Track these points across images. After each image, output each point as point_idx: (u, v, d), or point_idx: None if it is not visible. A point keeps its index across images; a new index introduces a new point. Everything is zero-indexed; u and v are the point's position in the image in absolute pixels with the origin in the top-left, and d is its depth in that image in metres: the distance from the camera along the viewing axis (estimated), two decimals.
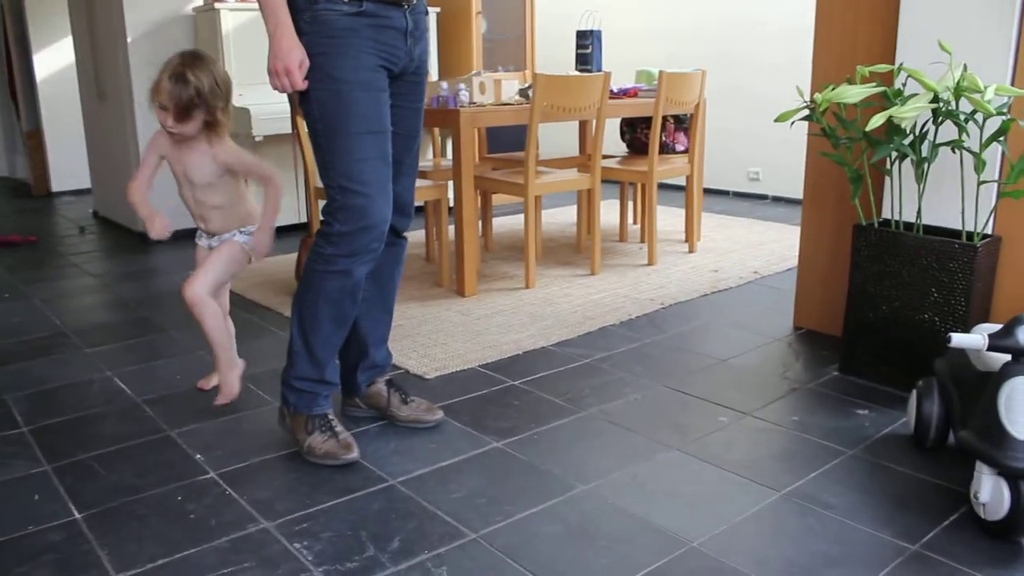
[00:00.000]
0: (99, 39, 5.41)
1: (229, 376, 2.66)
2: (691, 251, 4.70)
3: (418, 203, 4.62)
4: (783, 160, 6.30)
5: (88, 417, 2.59)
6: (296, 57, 2.03)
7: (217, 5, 4.93)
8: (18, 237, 5.19)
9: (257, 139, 4.82)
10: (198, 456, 2.33)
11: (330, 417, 2.32)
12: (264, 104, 4.83)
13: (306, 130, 2.19)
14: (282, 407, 2.37)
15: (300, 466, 2.26)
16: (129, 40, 4.95)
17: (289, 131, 4.81)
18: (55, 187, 7.15)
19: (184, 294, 2.54)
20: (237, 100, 4.61)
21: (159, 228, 2.53)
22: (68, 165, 6.99)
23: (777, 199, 6.49)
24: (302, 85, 2.07)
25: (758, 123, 6.36)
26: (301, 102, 2.15)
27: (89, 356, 3.12)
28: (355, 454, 2.27)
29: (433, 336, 3.29)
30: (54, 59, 6.94)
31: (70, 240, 5.31)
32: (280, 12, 2.03)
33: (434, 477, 2.20)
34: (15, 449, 2.38)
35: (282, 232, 5.07)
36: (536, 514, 2.02)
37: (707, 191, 6.65)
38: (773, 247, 4.82)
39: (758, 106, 6.35)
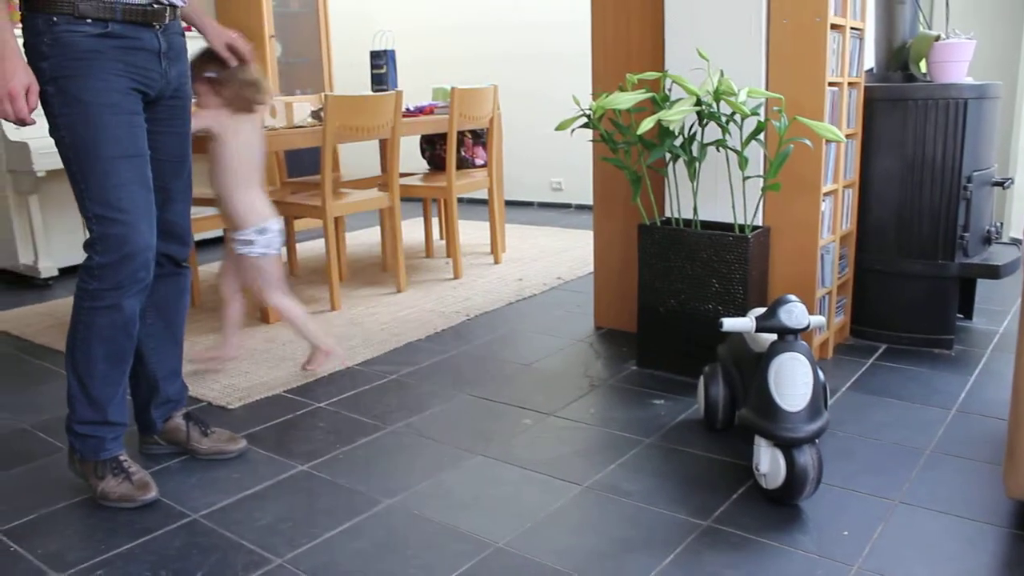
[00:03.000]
0: None
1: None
2: (496, 262, 4.79)
3: (219, 233, 4.43)
4: (583, 169, 6.51)
5: None
6: (21, 81, 1.88)
7: None
8: None
9: (39, 174, 4.51)
10: None
11: (122, 459, 2.21)
12: (45, 136, 4.53)
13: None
14: (71, 453, 2.24)
15: (95, 512, 2.14)
16: None
17: None
18: None
19: None
20: (13, 134, 4.34)
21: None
22: None
23: (580, 207, 6.71)
24: (27, 114, 1.91)
25: (557, 135, 6.56)
26: (51, 130, 2.03)
27: None
28: (153, 494, 2.18)
29: (237, 365, 3.21)
30: None
31: None
32: (4, 32, 1.88)
33: (238, 507, 2.15)
34: None
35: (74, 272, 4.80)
36: (342, 533, 2.00)
37: (512, 203, 6.80)
38: (576, 253, 4.98)
39: (556, 119, 6.54)
